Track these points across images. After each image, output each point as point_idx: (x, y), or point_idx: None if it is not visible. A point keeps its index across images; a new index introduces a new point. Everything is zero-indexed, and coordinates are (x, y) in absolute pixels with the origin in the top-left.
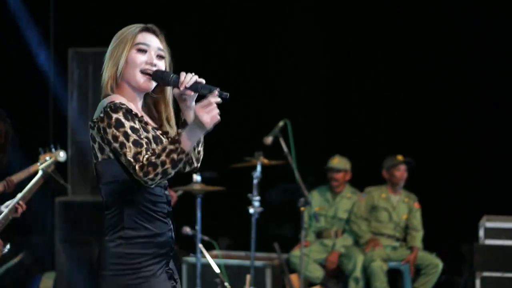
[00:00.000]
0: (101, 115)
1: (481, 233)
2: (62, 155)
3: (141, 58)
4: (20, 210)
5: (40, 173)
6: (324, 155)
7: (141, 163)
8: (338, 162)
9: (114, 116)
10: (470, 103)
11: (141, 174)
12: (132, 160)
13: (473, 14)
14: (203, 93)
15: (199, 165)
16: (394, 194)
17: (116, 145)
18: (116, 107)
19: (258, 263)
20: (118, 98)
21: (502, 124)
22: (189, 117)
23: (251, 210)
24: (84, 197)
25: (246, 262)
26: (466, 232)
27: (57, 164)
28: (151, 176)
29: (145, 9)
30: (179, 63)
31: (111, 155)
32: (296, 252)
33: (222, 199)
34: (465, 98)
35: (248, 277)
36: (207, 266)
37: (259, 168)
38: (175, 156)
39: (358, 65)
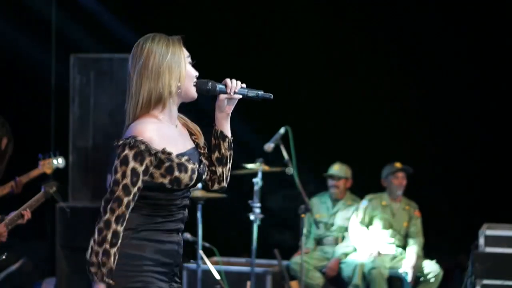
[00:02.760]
0: (120, 143)
1: (481, 241)
2: (61, 162)
3: (193, 71)
4: (26, 217)
5: (42, 191)
6: (325, 162)
7: (111, 210)
8: (339, 169)
9: (125, 152)
10: (470, 111)
11: (102, 210)
12: (112, 198)
13: (474, 17)
14: (250, 96)
15: (226, 184)
16: (394, 201)
17: (112, 177)
18: (133, 145)
19: (258, 269)
20: (145, 130)
21: (503, 131)
22: (225, 127)
23: (252, 217)
24: (85, 203)
25: (247, 269)
26: (466, 240)
27: (57, 170)
28: (102, 217)
29: (147, 16)
30: None
31: None
32: (296, 259)
33: (223, 206)
34: (466, 106)
35: (248, 283)
36: (208, 272)
37: (260, 175)
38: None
39: (360, 72)
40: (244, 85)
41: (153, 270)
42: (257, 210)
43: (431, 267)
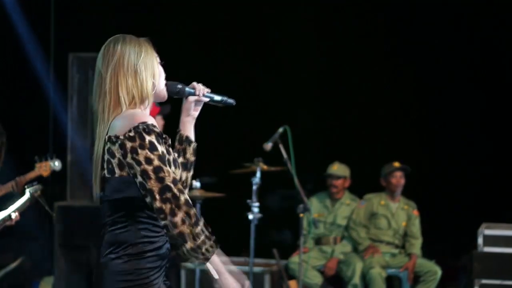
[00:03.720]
0: (131, 134)
1: (480, 240)
2: (57, 164)
3: (163, 71)
4: (14, 219)
5: (27, 195)
6: (324, 161)
7: (180, 191)
8: (338, 168)
9: (148, 138)
10: (470, 110)
11: (173, 200)
12: (169, 182)
13: (474, 19)
14: (216, 100)
15: (188, 191)
16: (393, 201)
17: (149, 167)
18: (149, 129)
19: (257, 269)
20: (146, 117)
21: (502, 131)
22: (190, 131)
23: (250, 216)
24: (83, 202)
25: (245, 268)
26: (465, 239)
27: (54, 172)
28: (180, 201)
29: (143, 14)
30: (179, 71)
31: (131, 173)
32: (295, 258)
33: (222, 205)
34: (465, 106)
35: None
36: (206, 272)
37: (258, 174)
38: (201, 238)
39: (358, 72)
40: (209, 90)
41: (157, 276)
42: (256, 210)
43: (429, 267)
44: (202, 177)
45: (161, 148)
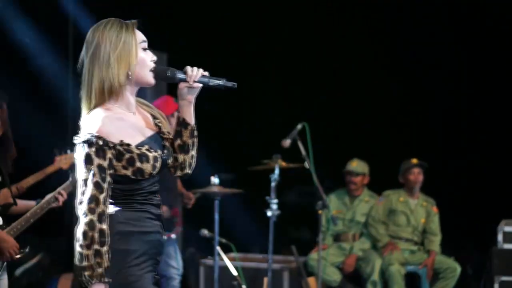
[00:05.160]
0: (79, 140)
1: (500, 237)
2: None
3: (148, 56)
4: (61, 199)
5: (69, 179)
6: (343, 158)
7: (90, 211)
8: (357, 165)
9: (87, 150)
10: (488, 107)
11: (81, 214)
12: (87, 199)
13: (474, 19)
14: (212, 85)
15: (191, 172)
16: (412, 198)
17: (80, 179)
18: (92, 142)
19: (275, 266)
20: (100, 123)
21: None
22: (187, 114)
23: (269, 213)
24: None
25: (264, 265)
26: (485, 236)
27: (74, 165)
28: (83, 220)
29: (164, 11)
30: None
31: None
32: (313, 255)
33: (240, 202)
34: (484, 102)
35: (265, 280)
36: (225, 268)
37: (277, 171)
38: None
39: (378, 68)
40: (206, 73)
41: (139, 263)
42: (274, 206)
43: (449, 264)
44: (220, 174)
45: (97, 161)
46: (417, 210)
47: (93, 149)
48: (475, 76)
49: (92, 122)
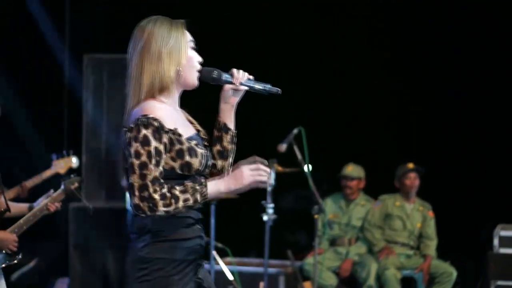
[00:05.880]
0: (132, 125)
1: (496, 242)
2: (74, 161)
3: (196, 56)
4: (53, 208)
5: (61, 188)
6: (338, 162)
7: (156, 192)
8: (352, 170)
9: (143, 132)
10: (485, 111)
11: (149, 199)
12: (149, 180)
13: (474, 19)
14: (256, 89)
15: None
16: (408, 202)
17: (136, 161)
18: (148, 122)
19: (271, 270)
20: (154, 108)
21: None
22: (228, 118)
23: (265, 217)
24: (98, 203)
25: (260, 269)
26: (481, 241)
27: (71, 170)
28: (151, 211)
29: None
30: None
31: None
32: (309, 259)
33: (236, 206)
34: (480, 106)
35: (261, 284)
36: (221, 273)
37: (273, 175)
38: (190, 202)
39: (374, 73)
40: (251, 77)
41: (180, 270)
42: (270, 211)
43: (444, 268)
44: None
45: (155, 144)
46: (413, 215)
47: (150, 130)
48: (472, 81)
49: (146, 107)
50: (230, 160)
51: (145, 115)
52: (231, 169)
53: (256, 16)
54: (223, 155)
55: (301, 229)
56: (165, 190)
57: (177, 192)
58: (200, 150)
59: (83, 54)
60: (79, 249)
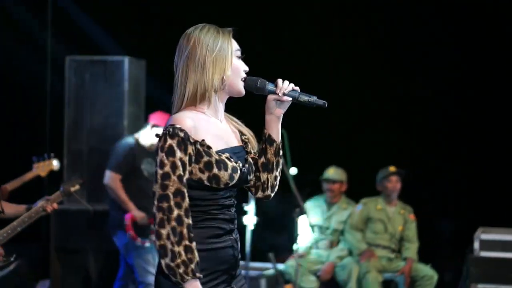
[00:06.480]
0: (161, 134)
1: (476, 245)
2: (55, 164)
3: (242, 65)
4: (50, 209)
5: (60, 190)
6: (320, 166)
7: (177, 205)
8: (334, 173)
9: (169, 142)
10: (467, 115)
11: (165, 208)
12: (171, 192)
13: (465, 20)
14: (301, 101)
15: (272, 194)
16: (390, 205)
17: (160, 171)
18: (174, 133)
19: (253, 273)
20: (184, 118)
21: (498, 136)
22: (274, 130)
23: (246, 220)
24: (80, 205)
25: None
26: (461, 244)
27: (52, 172)
28: (170, 216)
29: (142, 17)
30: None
31: None
32: (291, 262)
33: None
34: (462, 110)
35: None
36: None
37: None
38: (173, 262)
39: (355, 76)
40: (297, 88)
41: (207, 281)
42: (252, 214)
43: (425, 271)
44: None
45: (179, 154)
46: (394, 218)
47: (175, 140)
48: (453, 86)
49: (176, 117)
50: (276, 173)
51: (172, 125)
52: (276, 183)
53: (238, 16)
54: (267, 167)
55: (282, 232)
56: (188, 221)
57: (187, 242)
58: (231, 164)
59: (65, 55)
60: (60, 251)
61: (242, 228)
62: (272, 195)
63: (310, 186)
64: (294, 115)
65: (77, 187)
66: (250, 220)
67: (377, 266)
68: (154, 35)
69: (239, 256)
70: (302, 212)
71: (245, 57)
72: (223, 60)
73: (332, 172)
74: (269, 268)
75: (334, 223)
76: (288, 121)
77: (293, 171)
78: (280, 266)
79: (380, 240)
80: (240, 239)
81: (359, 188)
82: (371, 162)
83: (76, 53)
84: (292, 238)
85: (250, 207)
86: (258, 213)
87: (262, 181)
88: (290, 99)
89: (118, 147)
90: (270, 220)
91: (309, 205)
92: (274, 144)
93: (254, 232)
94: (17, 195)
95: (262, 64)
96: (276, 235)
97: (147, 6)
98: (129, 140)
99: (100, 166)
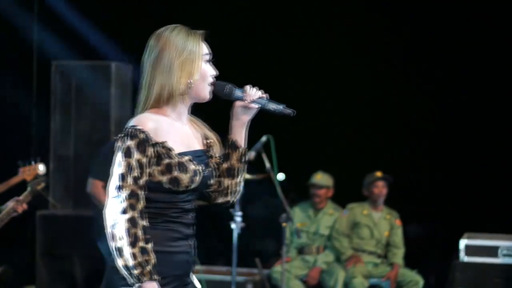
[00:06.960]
0: (121, 134)
1: (462, 250)
2: (41, 168)
3: (210, 70)
4: (20, 209)
5: (28, 189)
6: (307, 171)
7: (131, 207)
8: (321, 178)
9: (128, 142)
10: (452, 121)
11: (119, 210)
12: (126, 195)
13: (461, 31)
14: (269, 109)
15: (234, 200)
16: (376, 210)
17: (116, 172)
18: (134, 134)
19: (239, 278)
20: (146, 120)
21: (484, 142)
22: (239, 135)
23: (233, 225)
24: (66, 211)
25: (227, 278)
26: (447, 249)
27: (38, 177)
28: (123, 217)
29: (131, 22)
30: None
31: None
32: (277, 267)
33: (204, 214)
34: (448, 116)
35: None
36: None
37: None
38: (131, 261)
39: (341, 82)
40: (265, 96)
41: (163, 284)
42: (238, 219)
43: (411, 277)
44: None
45: (137, 156)
46: (380, 223)
47: (134, 142)
48: (439, 92)
49: (138, 118)
50: (239, 179)
51: (133, 126)
52: (238, 189)
53: (228, 21)
54: (230, 173)
55: (269, 237)
56: (142, 222)
57: (142, 243)
58: (192, 166)
59: (51, 60)
60: (46, 257)
61: (229, 234)
62: (232, 200)
63: (297, 191)
64: (281, 120)
65: (42, 185)
66: (236, 225)
67: (363, 271)
68: (141, 40)
69: (194, 264)
70: (289, 217)
71: (230, 61)
72: (191, 63)
73: (318, 178)
74: (255, 273)
75: (320, 228)
76: (274, 126)
77: (281, 176)
78: (267, 272)
79: (366, 245)
80: (227, 245)
81: (346, 193)
82: (357, 168)
83: (63, 57)
84: (279, 243)
85: (237, 213)
86: (244, 218)
87: (224, 186)
88: (258, 106)
89: (99, 154)
90: (256, 225)
91: (296, 210)
92: (239, 150)
93: (240, 237)
94: (2, 199)
95: (241, 68)
96: (263, 240)
97: (135, 11)
98: (110, 145)
99: (87, 171)
